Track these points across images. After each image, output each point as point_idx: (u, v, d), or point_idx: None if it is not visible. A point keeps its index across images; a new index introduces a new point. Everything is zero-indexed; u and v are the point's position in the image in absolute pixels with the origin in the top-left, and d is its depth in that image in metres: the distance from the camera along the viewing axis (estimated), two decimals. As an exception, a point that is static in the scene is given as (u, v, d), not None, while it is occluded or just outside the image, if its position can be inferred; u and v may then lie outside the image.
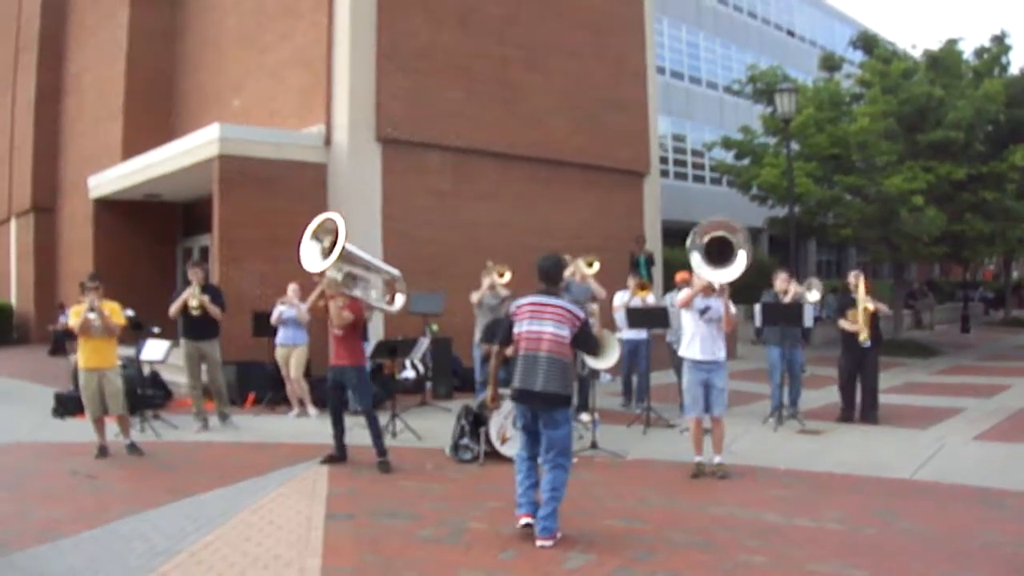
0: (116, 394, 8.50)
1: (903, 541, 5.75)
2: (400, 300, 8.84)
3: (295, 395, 11.16)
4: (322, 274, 7.79)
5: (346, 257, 7.75)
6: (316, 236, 7.67)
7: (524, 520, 5.77)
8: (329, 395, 8.36)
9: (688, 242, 7.27)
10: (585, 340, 6.09)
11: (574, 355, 6.38)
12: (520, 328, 5.87)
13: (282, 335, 11.13)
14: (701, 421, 7.64)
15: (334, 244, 7.54)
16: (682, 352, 7.85)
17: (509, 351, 6.08)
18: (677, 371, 9.53)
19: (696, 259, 7.22)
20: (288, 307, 11.04)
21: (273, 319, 11.13)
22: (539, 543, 5.52)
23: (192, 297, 9.93)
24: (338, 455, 8.10)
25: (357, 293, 8.22)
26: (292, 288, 11.07)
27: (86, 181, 17.97)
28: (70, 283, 19.61)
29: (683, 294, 7.84)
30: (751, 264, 7.16)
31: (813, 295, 11.13)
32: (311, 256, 7.63)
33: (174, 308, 9.99)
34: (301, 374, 11.13)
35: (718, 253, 7.19)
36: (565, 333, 5.80)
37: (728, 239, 7.17)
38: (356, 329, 8.28)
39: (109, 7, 19.64)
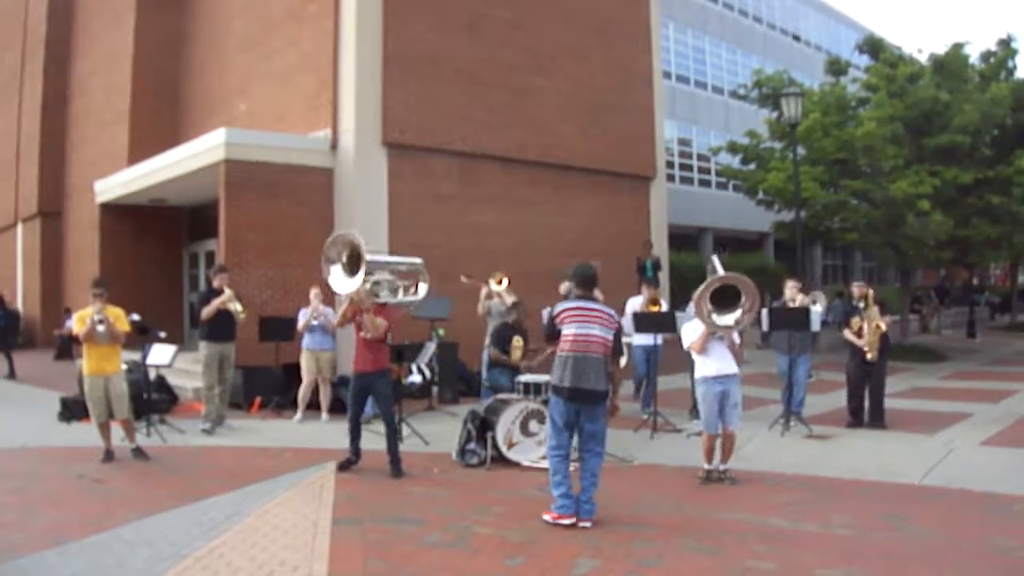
0: (121, 398, 8.49)
1: (911, 546, 5.73)
2: (423, 287, 8.91)
3: (304, 399, 11.06)
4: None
5: (370, 269, 7.77)
6: (330, 258, 7.70)
7: (566, 521, 6.08)
8: (352, 402, 8.07)
9: (695, 309, 7.20)
10: (618, 342, 6.64)
11: None
12: (568, 331, 6.27)
13: (309, 340, 11.02)
14: (715, 436, 7.60)
15: (352, 258, 7.55)
16: (697, 373, 7.70)
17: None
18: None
19: (711, 320, 7.14)
20: (315, 313, 10.92)
21: (300, 326, 11.03)
22: (582, 524, 6.05)
23: (231, 301, 9.94)
24: (355, 459, 7.98)
25: (385, 297, 8.23)
26: (314, 293, 10.94)
27: (92, 186, 18.00)
28: (76, 288, 19.64)
29: (693, 336, 7.62)
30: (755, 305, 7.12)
31: (817, 308, 10.96)
32: (338, 278, 7.67)
33: (208, 312, 9.96)
34: (329, 379, 11.13)
35: (724, 297, 7.09)
36: (609, 336, 6.33)
37: (735, 287, 7.06)
38: (386, 334, 8.16)
39: (115, 13, 19.68)
